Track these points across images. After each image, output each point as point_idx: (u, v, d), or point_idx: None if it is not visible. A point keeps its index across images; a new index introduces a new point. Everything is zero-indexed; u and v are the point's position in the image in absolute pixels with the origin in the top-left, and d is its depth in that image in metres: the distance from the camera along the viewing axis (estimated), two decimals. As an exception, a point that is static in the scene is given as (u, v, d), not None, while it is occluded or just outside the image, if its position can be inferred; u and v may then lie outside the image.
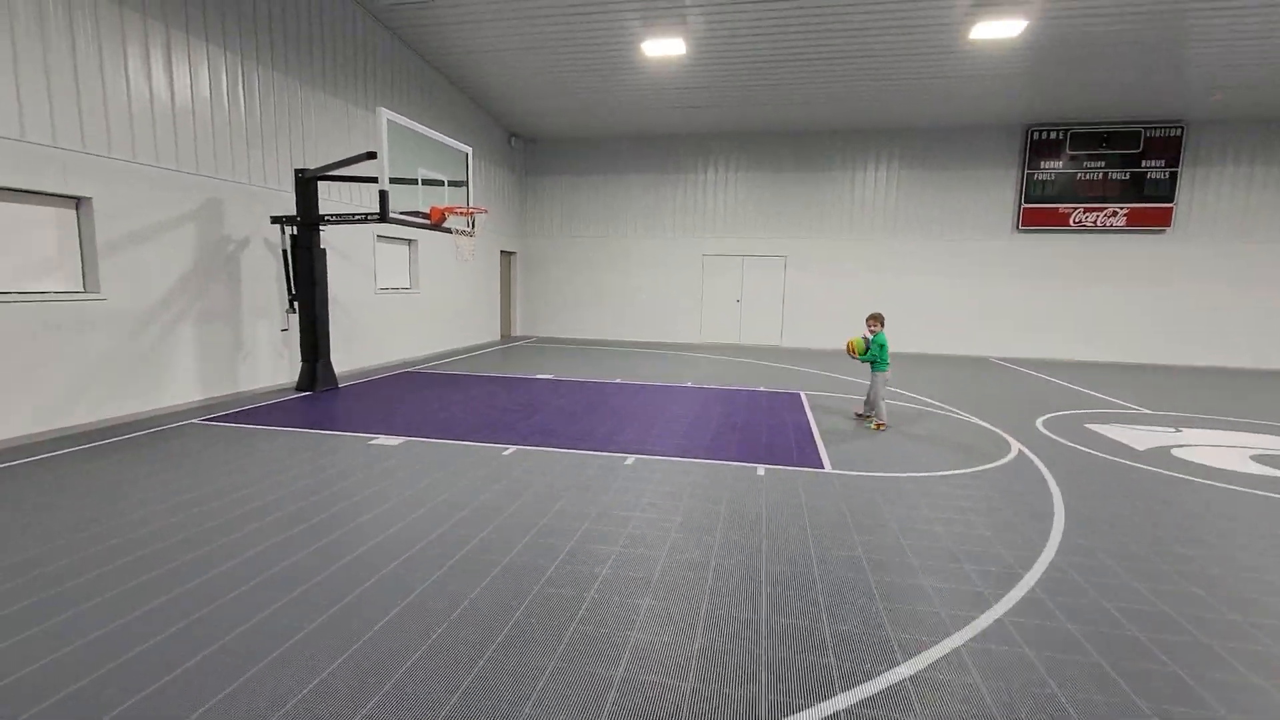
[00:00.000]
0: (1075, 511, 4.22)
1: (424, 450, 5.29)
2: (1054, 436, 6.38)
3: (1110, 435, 6.51)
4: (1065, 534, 3.82)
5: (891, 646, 2.55)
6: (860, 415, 6.96)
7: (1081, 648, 2.57)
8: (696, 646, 2.52)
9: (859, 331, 13.97)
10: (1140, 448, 6.00)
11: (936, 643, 2.59)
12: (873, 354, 6.75)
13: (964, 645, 2.57)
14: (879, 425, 6.67)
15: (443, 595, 2.86)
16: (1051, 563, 3.39)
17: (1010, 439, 6.24)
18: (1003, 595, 3.00)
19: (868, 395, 6.90)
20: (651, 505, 4.09)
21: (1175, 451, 5.91)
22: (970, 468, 5.19)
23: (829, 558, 3.36)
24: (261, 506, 3.92)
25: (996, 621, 2.76)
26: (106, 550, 3.26)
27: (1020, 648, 2.56)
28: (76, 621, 2.59)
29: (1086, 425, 6.98)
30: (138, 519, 3.68)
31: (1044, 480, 4.91)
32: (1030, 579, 3.19)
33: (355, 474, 4.60)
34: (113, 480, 4.35)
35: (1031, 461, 5.44)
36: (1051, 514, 4.16)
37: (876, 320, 6.92)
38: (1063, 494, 4.59)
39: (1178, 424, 7.18)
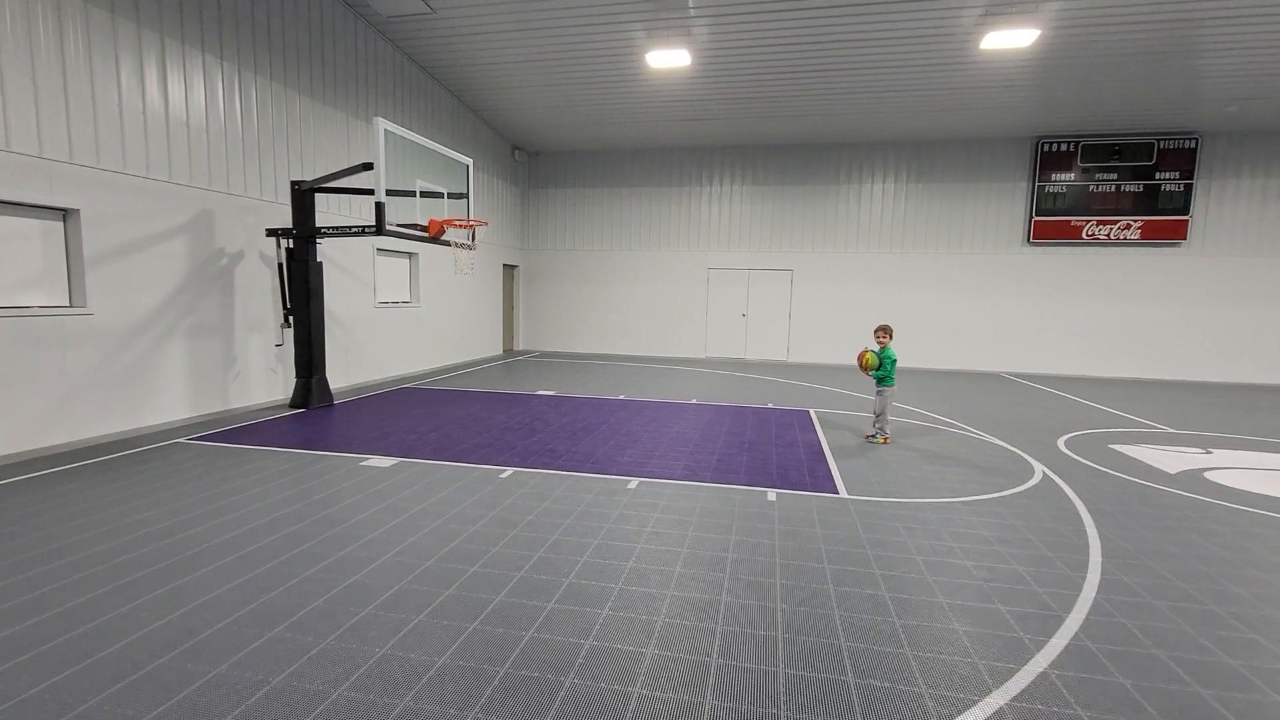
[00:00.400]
0: (1111, 543, 3.92)
1: (417, 472, 5.03)
2: (1078, 458, 6.08)
3: (1137, 456, 6.20)
4: (1104, 569, 3.52)
5: (926, 706, 2.26)
6: (870, 437, 6.67)
7: (1142, 710, 2.28)
8: (707, 706, 2.24)
9: (867, 345, 13.75)
10: (1171, 470, 5.69)
11: (976, 701, 2.30)
12: (885, 369, 6.49)
13: (1007, 704, 2.29)
14: (884, 440, 6.46)
15: (424, 642, 2.59)
16: (1094, 603, 3.10)
17: (1032, 460, 5.94)
18: (1045, 642, 2.71)
19: (876, 414, 6.63)
20: (655, 535, 3.82)
21: (1208, 475, 5.60)
22: (993, 492, 4.90)
23: (850, 598, 3.07)
24: (238, 536, 3.66)
25: (1041, 675, 2.47)
26: (74, 583, 3.01)
27: (1073, 708, 2.27)
28: (40, 663, 2.33)
29: (1111, 445, 6.67)
30: (110, 549, 3.43)
31: (1073, 507, 4.61)
32: (1073, 623, 2.89)
33: (342, 500, 4.35)
34: (88, 504, 4.10)
35: (1057, 485, 5.14)
36: (1086, 546, 3.86)
37: (885, 332, 6.65)
38: (1095, 522, 4.29)
39: (1207, 444, 6.86)
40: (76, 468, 4.93)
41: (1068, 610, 3.02)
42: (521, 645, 2.58)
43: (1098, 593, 3.22)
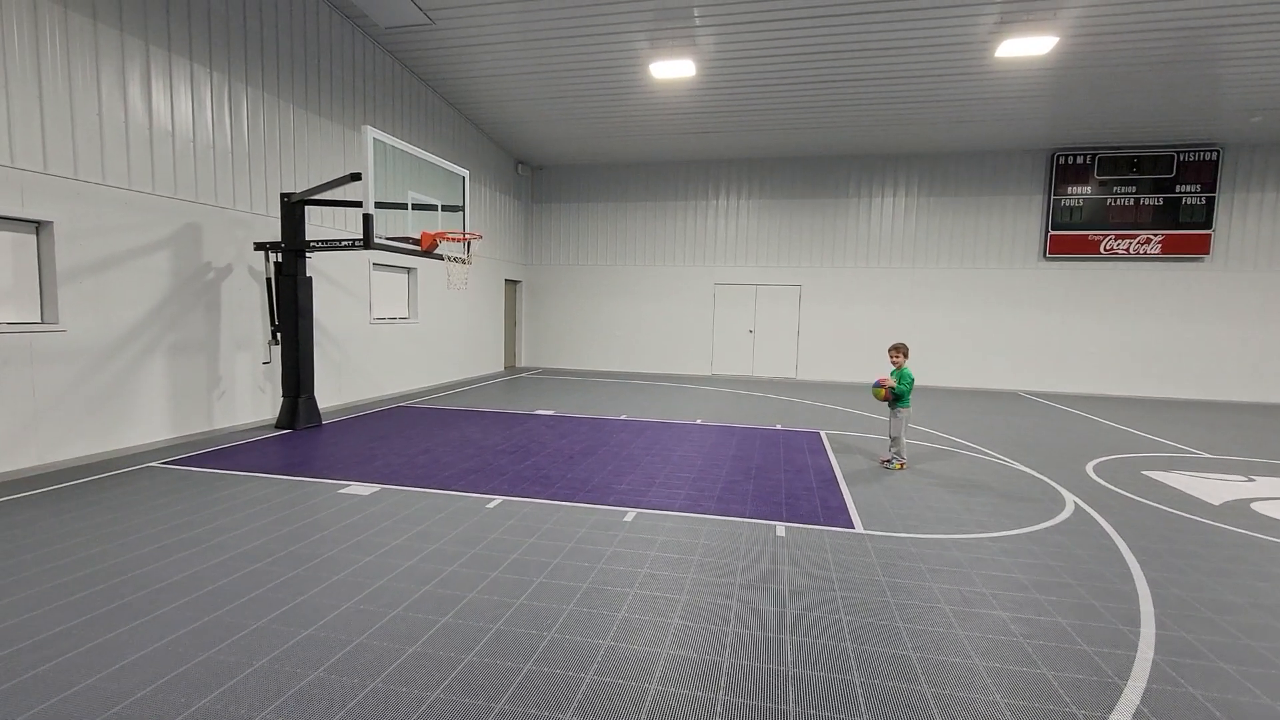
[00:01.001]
0: (1162, 588, 3.51)
1: (398, 501, 4.68)
2: (1110, 486, 5.65)
3: (1175, 485, 5.76)
4: (1159, 621, 3.11)
5: (970, 810, 1.87)
6: (885, 462, 6.25)
7: (1235, 818, 1.88)
8: (704, 808, 1.86)
9: (879, 365, 13.33)
10: (1214, 501, 5.25)
11: (1030, 803, 1.91)
12: (902, 389, 6.10)
13: (1069, 808, 1.89)
14: (900, 465, 6.10)
15: (376, 716, 2.22)
16: (1154, 667, 2.69)
17: (1061, 489, 5.52)
18: (1103, 720, 2.31)
19: (892, 438, 6.22)
20: (652, 578, 3.44)
21: (1256, 506, 5.15)
22: (1023, 527, 4.49)
23: (873, 659, 2.68)
24: (192, 577, 3.32)
25: (1105, 766, 2.08)
26: (-16, 639, 2.68)
27: (1149, 816, 1.87)
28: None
29: (1144, 472, 6.23)
30: (46, 591, 3.09)
31: (1113, 544, 4.20)
32: (1133, 693, 2.49)
33: (312, 534, 4.00)
34: (35, 537, 3.78)
35: (1092, 519, 4.72)
36: (1134, 593, 3.45)
37: (900, 351, 6.25)
38: (1140, 563, 3.87)
39: (1247, 471, 6.41)
40: (35, 495, 4.62)
41: (1124, 676, 2.62)
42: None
43: (1155, 652, 2.82)
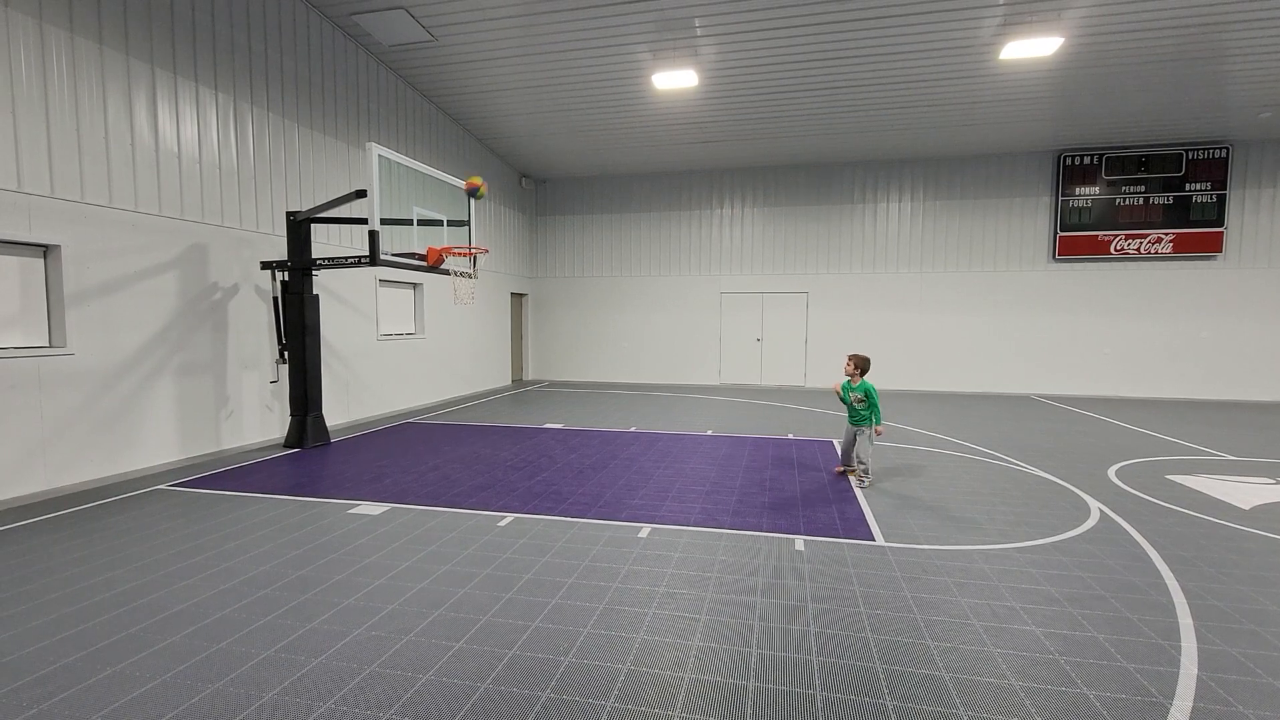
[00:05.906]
0: (1199, 599, 3.38)
1: (408, 521, 4.60)
2: (1135, 492, 5.51)
3: (1201, 489, 5.61)
4: (1199, 635, 2.99)
5: (1019, 846, 1.76)
6: (850, 471, 5.92)
7: None
8: None
9: (887, 371, 13.22)
10: (1244, 506, 5.11)
11: (1082, 837, 1.80)
12: (866, 406, 5.69)
13: (1124, 843, 1.78)
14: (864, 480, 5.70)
15: (391, 750, 2.14)
16: (1199, 684, 2.57)
17: (1084, 495, 5.38)
18: (1152, 744, 2.20)
19: (854, 451, 5.79)
20: (670, 598, 3.34)
21: (1288, 510, 5.01)
22: (1048, 536, 4.36)
23: (903, 680, 2.57)
24: (197, 605, 3.25)
25: (1158, 795, 1.96)
26: (-12, 673, 2.61)
27: None
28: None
29: (1168, 476, 6.09)
30: (44, 625, 3.02)
31: (1143, 553, 4.07)
32: (1180, 713, 2.37)
33: (320, 557, 3.92)
34: (37, 566, 3.72)
35: (1119, 526, 4.59)
36: (1170, 604, 3.33)
37: (856, 365, 5.78)
38: (1173, 573, 3.74)
39: (1273, 473, 6.25)
40: (40, 521, 4.57)
41: (1169, 695, 2.50)
42: (507, 755, 2.12)
43: (1199, 669, 2.69)
